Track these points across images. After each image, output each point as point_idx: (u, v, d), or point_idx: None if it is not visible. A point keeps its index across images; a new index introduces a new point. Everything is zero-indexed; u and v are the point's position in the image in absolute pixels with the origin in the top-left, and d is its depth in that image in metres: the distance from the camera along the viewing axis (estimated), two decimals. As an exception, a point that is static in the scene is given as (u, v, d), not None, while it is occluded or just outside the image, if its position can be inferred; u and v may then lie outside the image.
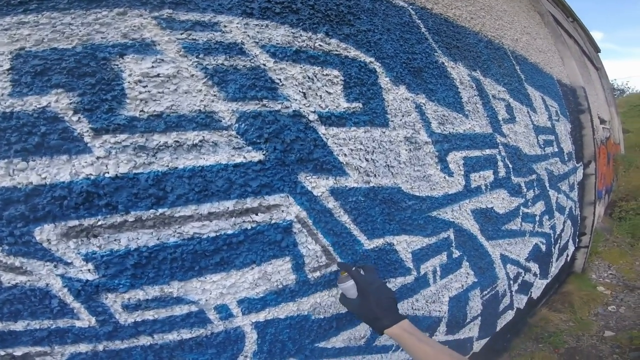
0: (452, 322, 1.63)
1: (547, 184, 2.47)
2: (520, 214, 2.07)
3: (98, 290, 0.76)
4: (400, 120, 1.24)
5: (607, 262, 3.93)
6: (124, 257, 0.76)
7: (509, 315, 2.23)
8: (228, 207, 0.85)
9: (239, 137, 0.87)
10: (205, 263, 0.84)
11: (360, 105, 1.12)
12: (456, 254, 1.52)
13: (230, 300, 0.90)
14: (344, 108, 1.08)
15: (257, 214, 0.89)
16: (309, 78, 1.01)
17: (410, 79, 1.31)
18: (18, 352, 0.73)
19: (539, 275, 2.55)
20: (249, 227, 0.88)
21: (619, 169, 7.05)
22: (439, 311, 1.52)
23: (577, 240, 3.47)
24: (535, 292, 2.60)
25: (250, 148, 0.88)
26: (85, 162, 0.73)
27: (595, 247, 4.13)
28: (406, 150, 1.25)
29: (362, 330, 1.20)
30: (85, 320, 0.76)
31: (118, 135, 0.75)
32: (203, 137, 0.82)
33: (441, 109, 1.44)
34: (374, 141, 1.14)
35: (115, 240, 0.76)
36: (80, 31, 0.75)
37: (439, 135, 1.40)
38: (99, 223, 0.74)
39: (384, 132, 1.18)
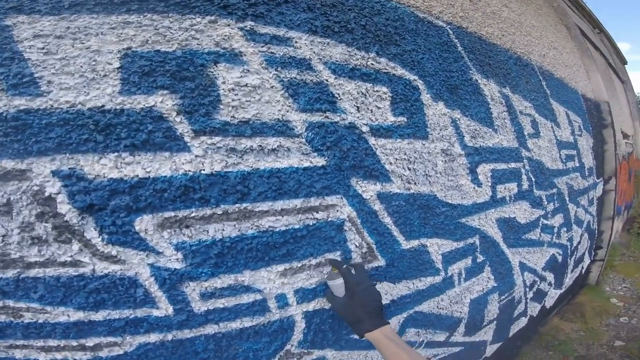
0: (471, 324, 1.76)
1: (566, 198, 2.57)
2: (540, 225, 2.18)
3: (182, 279, 0.83)
4: (438, 133, 1.38)
5: (622, 276, 4.00)
6: (210, 246, 0.85)
7: (522, 322, 2.34)
8: (296, 205, 0.99)
9: (307, 144, 1.01)
10: (274, 254, 0.96)
11: (405, 119, 1.26)
12: (480, 258, 1.64)
13: (289, 290, 0.99)
14: (391, 121, 1.22)
15: (317, 212, 1.04)
16: (362, 93, 1.16)
17: (447, 95, 1.45)
18: (90, 342, 0.77)
19: (553, 285, 2.65)
20: (311, 224, 1.03)
21: (640, 186, 7.02)
22: (460, 312, 1.65)
23: (593, 253, 3.55)
24: (549, 302, 2.70)
25: (315, 154, 1.03)
26: (185, 159, 0.83)
27: (611, 260, 4.20)
28: (442, 161, 1.39)
29: (392, 324, 1.33)
30: (163, 309, 0.82)
31: (213, 137, 0.85)
32: (280, 143, 0.96)
33: (473, 123, 1.57)
34: (415, 152, 1.28)
35: (204, 231, 0.85)
36: (179, 35, 0.83)
37: (470, 148, 1.53)
38: (192, 215, 0.83)
39: (424, 144, 1.32)
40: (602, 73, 4.20)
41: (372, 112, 1.17)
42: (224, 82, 0.89)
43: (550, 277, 2.52)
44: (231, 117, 0.90)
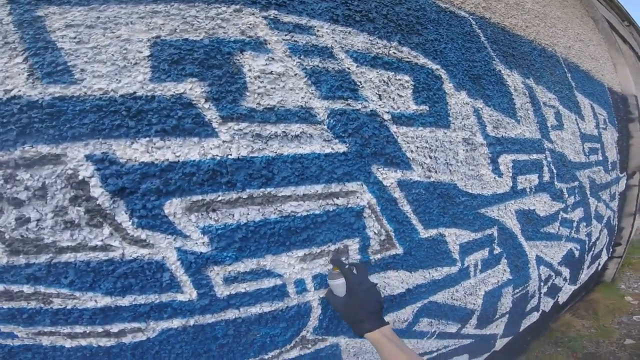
0: (483, 317, 1.71)
1: (588, 192, 2.46)
2: (559, 218, 2.10)
3: (207, 263, 0.83)
4: (460, 122, 1.33)
5: (639, 274, 3.82)
6: (235, 230, 0.85)
7: (534, 317, 2.27)
8: (317, 190, 0.98)
9: (329, 131, 0.99)
10: (295, 239, 0.95)
11: (427, 108, 1.22)
12: (497, 250, 1.60)
13: (307, 275, 0.98)
14: (413, 110, 1.18)
15: (338, 198, 1.02)
16: (384, 82, 1.12)
17: (470, 85, 1.39)
18: (115, 328, 0.77)
19: (568, 281, 2.56)
20: (331, 209, 1.01)
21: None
22: (474, 304, 1.61)
23: (611, 249, 3.41)
24: (562, 297, 2.61)
25: (337, 141, 1.01)
26: (213, 144, 0.83)
27: (629, 258, 4.01)
28: (463, 150, 1.35)
29: (406, 313, 1.31)
30: (187, 293, 0.82)
31: (240, 123, 0.85)
32: (302, 129, 0.95)
33: (496, 114, 1.51)
34: (437, 140, 1.24)
35: (230, 215, 0.84)
36: (206, 24, 0.83)
37: (492, 138, 1.48)
38: (219, 199, 0.83)
39: (446, 133, 1.28)
40: (630, 66, 3.95)
41: (394, 100, 1.14)
42: (250, 70, 0.88)
43: (565, 272, 2.44)
44: (257, 103, 0.89)
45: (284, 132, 0.92)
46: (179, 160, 0.80)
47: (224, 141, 0.85)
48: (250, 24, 0.89)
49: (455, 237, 1.36)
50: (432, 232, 1.27)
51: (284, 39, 0.93)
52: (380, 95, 1.11)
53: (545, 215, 1.93)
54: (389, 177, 1.12)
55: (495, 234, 1.56)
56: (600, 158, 2.68)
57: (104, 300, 0.76)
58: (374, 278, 1.16)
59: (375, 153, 1.08)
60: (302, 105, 0.95)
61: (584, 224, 2.50)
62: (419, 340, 1.43)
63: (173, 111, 0.80)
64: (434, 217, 1.26)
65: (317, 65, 0.98)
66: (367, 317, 0.86)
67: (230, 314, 0.89)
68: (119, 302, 0.77)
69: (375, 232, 1.11)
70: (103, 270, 0.75)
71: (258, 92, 0.89)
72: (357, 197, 1.06)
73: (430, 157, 1.23)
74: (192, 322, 0.84)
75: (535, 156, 1.79)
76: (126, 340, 0.79)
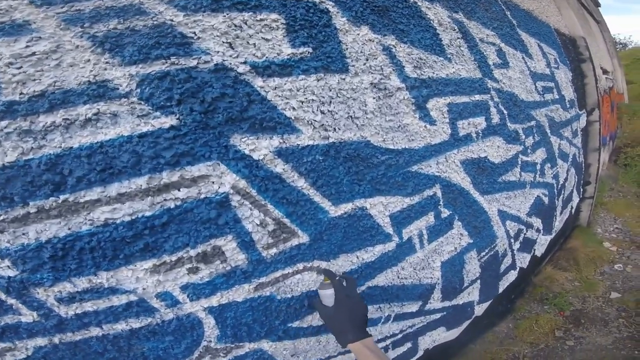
0: (448, 288, 1.39)
1: (548, 130, 2.10)
2: (519, 162, 1.75)
3: (25, 285, 0.65)
4: (364, 64, 0.95)
5: (612, 215, 3.47)
6: (38, 250, 0.64)
7: (512, 275, 1.96)
8: (141, 185, 0.65)
9: (142, 103, 0.65)
10: (130, 250, 0.67)
11: (310, 50, 0.84)
12: (445, 213, 1.25)
13: (172, 287, 0.73)
14: (288, 55, 0.81)
15: (179, 190, 0.67)
16: (235, 26, 0.75)
17: (374, 18, 1.01)
18: None
19: (542, 231, 2.23)
20: (173, 206, 0.67)
21: (623, 117, 6.36)
22: (431, 278, 1.28)
23: (581, 190, 3.08)
24: (539, 250, 2.29)
25: (158, 114, 0.66)
26: None
27: (600, 197, 3.68)
28: (374, 98, 0.97)
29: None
30: (28, 315, 0.66)
31: None
32: (98, 109, 0.63)
33: (416, 51, 1.13)
34: (330, 90, 0.87)
35: (23, 234, 0.63)
36: None
37: (415, 80, 1.10)
38: (1, 218, 0.61)
39: (343, 79, 0.90)
40: (575, 11, 3.57)
41: (255, 46, 0.77)
42: (0, 59, 0.59)
43: (537, 222, 2.10)
44: (19, 94, 0.61)
45: (66, 119, 0.62)
46: None
47: (-18, 149, 0.55)
48: (2, 10, 0.60)
49: (382, 207, 1.00)
50: (347, 207, 0.92)
51: (57, 13, 0.63)
52: (231, 43, 0.74)
53: (501, 161, 1.57)
54: (261, 147, 0.75)
55: (439, 193, 1.20)
56: (557, 96, 2.32)
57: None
58: (279, 276, 0.83)
59: (231, 119, 0.72)
60: (90, 81, 0.62)
61: (549, 165, 2.15)
62: (372, 327, 1.12)
63: None
64: (345, 187, 0.90)
65: (115, 28, 0.65)
66: (351, 329, 0.81)
67: (95, 331, 0.70)
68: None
69: (257, 223, 0.76)
70: None
71: (16, 81, 0.60)
72: (213, 183, 0.70)
73: (323, 112, 0.86)
74: (56, 340, 0.68)
75: (477, 97, 1.42)
76: (9, 359, 0.68)
